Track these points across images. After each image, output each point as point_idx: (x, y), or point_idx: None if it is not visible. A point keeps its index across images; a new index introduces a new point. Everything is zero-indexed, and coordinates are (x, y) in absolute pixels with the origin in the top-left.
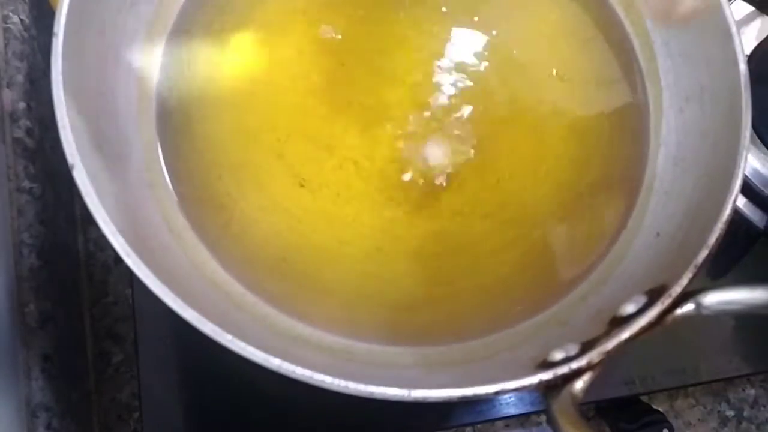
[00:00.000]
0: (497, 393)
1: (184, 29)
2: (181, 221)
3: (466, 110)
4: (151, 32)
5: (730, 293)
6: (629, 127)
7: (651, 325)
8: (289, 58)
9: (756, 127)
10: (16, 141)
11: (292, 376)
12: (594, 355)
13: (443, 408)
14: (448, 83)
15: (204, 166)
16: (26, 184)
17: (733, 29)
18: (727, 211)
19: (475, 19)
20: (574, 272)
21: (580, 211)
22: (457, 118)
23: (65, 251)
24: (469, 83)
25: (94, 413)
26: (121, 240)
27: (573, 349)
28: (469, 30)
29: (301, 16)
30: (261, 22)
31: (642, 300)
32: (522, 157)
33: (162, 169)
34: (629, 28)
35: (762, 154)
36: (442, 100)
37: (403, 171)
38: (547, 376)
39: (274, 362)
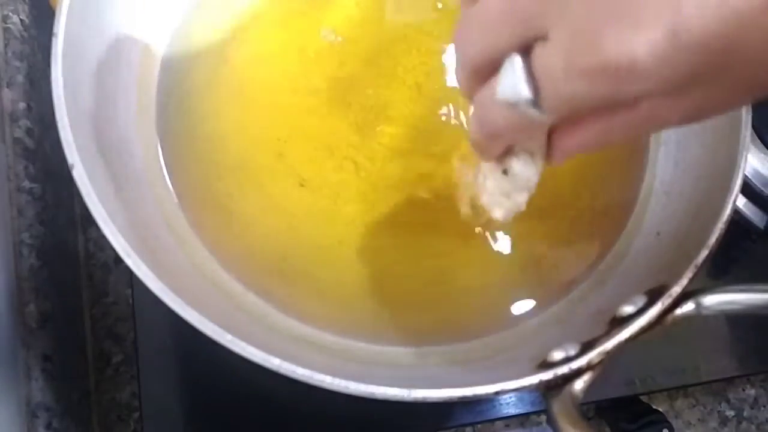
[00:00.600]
0: (497, 393)
1: (184, 31)
2: (181, 221)
3: (469, 109)
4: (151, 33)
5: (730, 293)
6: None
7: (651, 325)
8: (290, 58)
9: (756, 127)
10: (16, 141)
11: (292, 376)
12: (594, 355)
13: (443, 408)
14: (449, 83)
15: (204, 166)
16: (26, 184)
17: None
18: (727, 211)
19: None
20: (574, 273)
21: (580, 212)
22: (458, 119)
23: (65, 251)
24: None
25: (94, 413)
26: (121, 240)
27: (573, 349)
28: None
29: (302, 18)
30: (261, 22)
31: (642, 300)
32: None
33: (162, 169)
34: None
35: (762, 154)
36: (443, 100)
37: (403, 171)
38: (547, 376)
39: (274, 362)
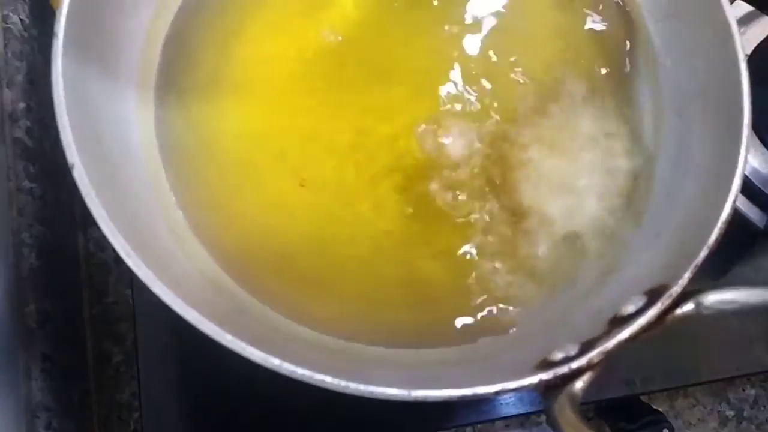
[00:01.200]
0: (497, 393)
1: (184, 31)
2: (181, 221)
3: (471, 109)
4: (151, 32)
5: (730, 293)
6: (629, 127)
7: (651, 325)
8: (290, 58)
9: (756, 127)
10: (16, 141)
11: (292, 376)
12: (594, 355)
13: (443, 408)
14: (450, 83)
15: (204, 166)
16: (26, 184)
17: (733, 29)
18: (727, 211)
19: (469, 10)
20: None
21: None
22: (459, 118)
23: (65, 251)
24: (472, 84)
25: (94, 413)
26: (121, 240)
27: (573, 349)
28: (467, 25)
29: (302, 18)
30: (262, 23)
31: (642, 300)
32: (529, 156)
33: (162, 169)
34: (630, 28)
35: (762, 154)
36: (445, 100)
37: (404, 172)
38: (547, 376)
39: (274, 362)
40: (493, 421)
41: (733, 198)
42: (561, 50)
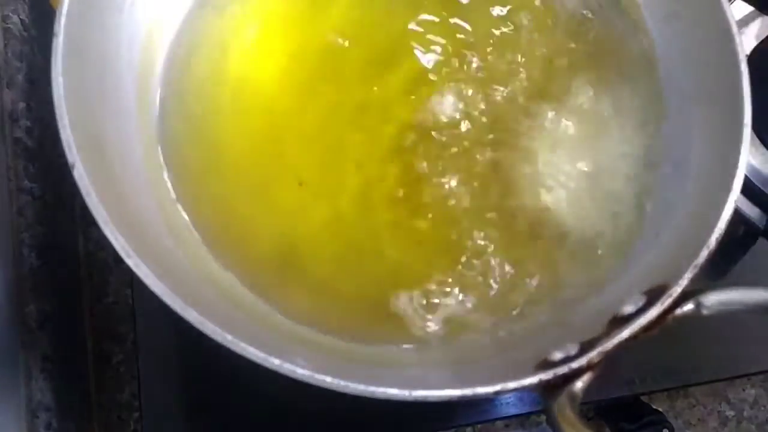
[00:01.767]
0: (497, 393)
1: (185, 31)
2: (181, 221)
3: (472, 109)
4: (151, 32)
5: (730, 293)
6: (628, 127)
7: (651, 325)
8: (291, 58)
9: (756, 127)
10: (16, 141)
11: (292, 376)
12: (594, 355)
13: (443, 408)
14: (451, 83)
15: (204, 166)
16: (26, 184)
17: (733, 29)
18: (728, 211)
19: (469, 9)
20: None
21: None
22: (460, 119)
23: (65, 251)
24: (474, 86)
25: (94, 413)
26: (121, 240)
27: (573, 349)
28: (467, 25)
29: (303, 18)
30: (262, 23)
31: (642, 300)
32: (528, 155)
33: (162, 169)
34: (630, 28)
35: (762, 154)
36: (446, 101)
37: (405, 172)
38: (547, 376)
39: (274, 362)
40: (493, 421)
41: (733, 198)
42: (560, 50)
